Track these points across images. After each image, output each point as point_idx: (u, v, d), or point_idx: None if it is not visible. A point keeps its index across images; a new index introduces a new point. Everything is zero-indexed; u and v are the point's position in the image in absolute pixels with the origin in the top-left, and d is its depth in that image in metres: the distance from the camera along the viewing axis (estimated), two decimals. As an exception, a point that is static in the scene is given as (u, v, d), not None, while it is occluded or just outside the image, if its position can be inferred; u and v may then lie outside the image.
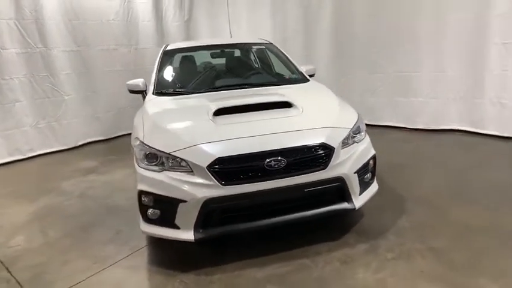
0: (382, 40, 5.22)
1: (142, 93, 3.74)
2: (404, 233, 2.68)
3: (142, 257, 2.66)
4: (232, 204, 2.31)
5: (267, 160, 2.29)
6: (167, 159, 2.38)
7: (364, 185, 2.65)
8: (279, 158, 2.30)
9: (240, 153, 2.27)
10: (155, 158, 2.41)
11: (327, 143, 2.40)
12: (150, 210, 2.40)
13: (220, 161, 2.25)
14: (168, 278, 2.38)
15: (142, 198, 2.40)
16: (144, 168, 2.42)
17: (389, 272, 2.26)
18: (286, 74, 3.71)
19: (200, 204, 2.25)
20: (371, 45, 5.34)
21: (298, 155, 2.35)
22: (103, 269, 2.53)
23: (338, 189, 2.49)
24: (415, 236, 2.62)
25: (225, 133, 2.41)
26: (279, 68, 3.86)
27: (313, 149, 2.38)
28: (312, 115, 2.66)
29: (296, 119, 2.59)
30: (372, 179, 2.78)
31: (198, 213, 2.27)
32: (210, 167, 2.24)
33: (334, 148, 2.42)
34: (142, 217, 2.46)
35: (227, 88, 3.27)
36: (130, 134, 6.28)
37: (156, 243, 2.77)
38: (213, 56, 4.12)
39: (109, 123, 6.18)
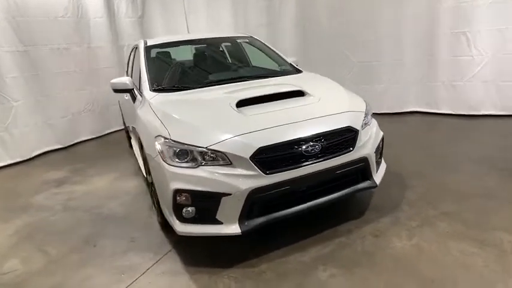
0: (346, 31, 5.55)
1: (131, 92, 3.52)
2: (415, 203, 2.94)
3: (174, 260, 2.52)
4: (275, 193, 2.31)
5: (305, 146, 2.35)
6: (201, 154, 2.30)
7: (377, 164, 2.85)
8: (315, 143, 2.38)
9: (280, 141, 2.29)
10: (186, 154, 2.32)
11: (352, 126, 2.55)
12: (186, 209, 2.31)
13: (262, 150, 2.25)
14: (214, 276, 2.31)
15: (177, 198, 2.29)
16: (175, 166, 2.31)
17: (420, 238, 2.48)
18: (278, 66, 3.78)
19: (245, 196, 2.23)
20: (335, 36, 5.65)
21: (330, 139, 2.45)
22: (137, 278, 2.36)
23: (362, 169, 2.65)
24: (425, 205, 2.89)
25: (258, 123, 2.40)
26: (268, 60, 3.90)
27: (342, 133, 2.50)
28: (329, 101, 2.79)
29: (317, 106, 2.68)
30: (380, 157, 3.00)
31: (243, 205, 2.25)
32: (253, 157, 2.23)
33: (359, 130, 2.57)
34: (178, 218, 2.35)
35: (227, 81, 3.23)
36: (90, 139, 5.98)
37: (183, 244, 2.66)
38: (197, 50, 4.00)
39: (65, 129, 5.65)
